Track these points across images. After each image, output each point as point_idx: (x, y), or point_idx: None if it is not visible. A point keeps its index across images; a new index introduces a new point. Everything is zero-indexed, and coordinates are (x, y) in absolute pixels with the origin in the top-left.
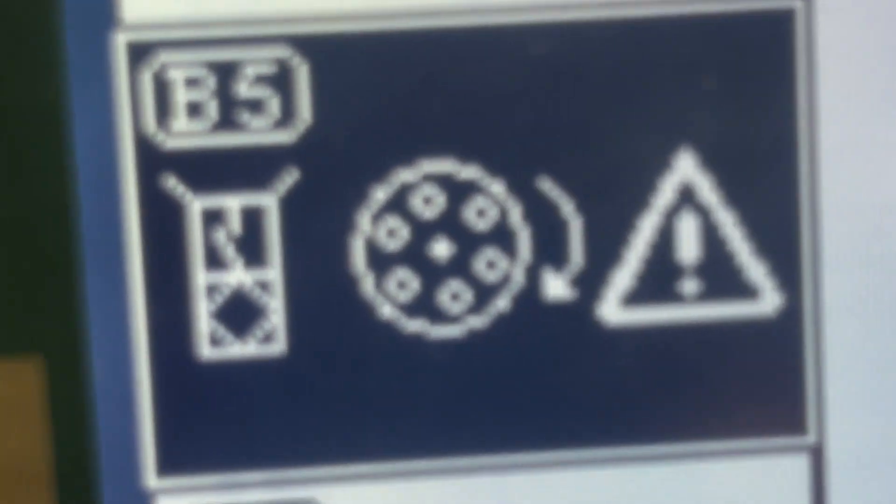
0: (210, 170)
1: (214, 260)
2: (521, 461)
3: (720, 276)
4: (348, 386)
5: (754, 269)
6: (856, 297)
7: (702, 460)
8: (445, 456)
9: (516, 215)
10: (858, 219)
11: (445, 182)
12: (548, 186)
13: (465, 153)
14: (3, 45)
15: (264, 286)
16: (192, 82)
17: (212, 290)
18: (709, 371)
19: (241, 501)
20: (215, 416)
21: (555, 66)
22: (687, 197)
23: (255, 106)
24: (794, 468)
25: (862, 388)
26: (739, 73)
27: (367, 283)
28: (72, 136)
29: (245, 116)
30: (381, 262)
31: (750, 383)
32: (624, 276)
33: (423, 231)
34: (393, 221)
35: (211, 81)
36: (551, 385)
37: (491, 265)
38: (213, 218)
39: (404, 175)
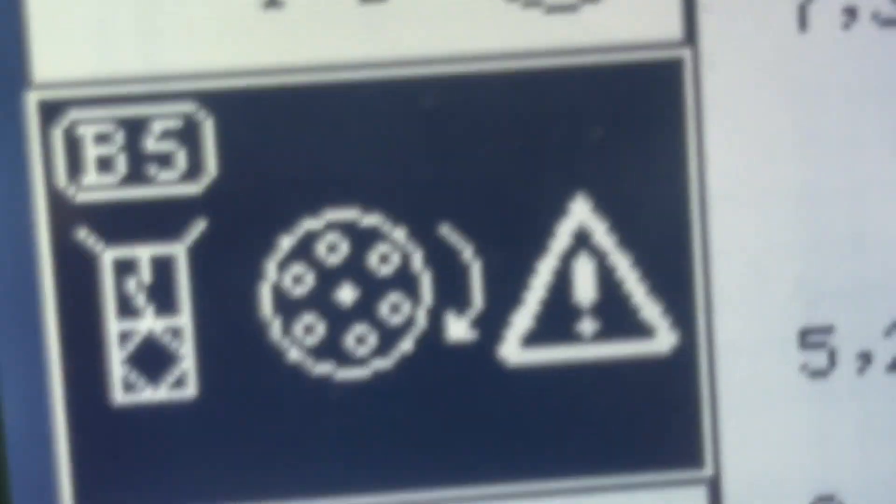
0: (120, 221)
1: (126, 308)
2: (425, 498)
3: (616, 316)
4: (259, 428)
5: (649, 308)
6: (746, 335)
7: (604, 494)
8: (351, 494)
9: (418, 260)
10: (747, 260)
11: (349, 229)
12: (448, 232)
13: (368, 201)
14: None
15: (175, 333)
16: (101, 138)
17: (124, 337)
18: (608, 408)
19: None
20: (131, 460)
21: (451, 118)
22: (583, 240)
23: (163, 159)
24: (693, 500)
25: (754, 421)
26: (632, 120)
27: (275, 328)
28: None
29: (153, 170)
30: (288, 307)
31: (648, 419)
32: (524, 318)
33: (328, 277)
34: (299, 268)
35: (119, 137)
36: (455, 424)
37: (394, 309)
38: (124, 268)
39: (309, 223)
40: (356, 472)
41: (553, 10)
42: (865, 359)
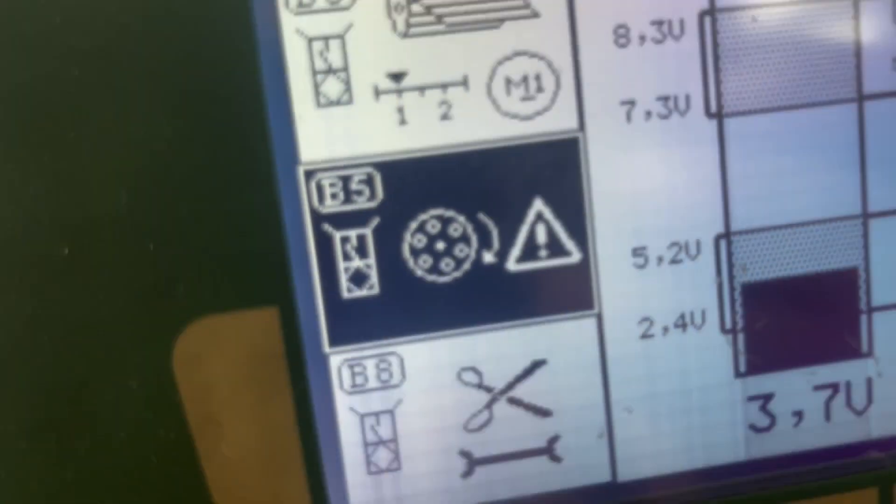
0: (341, 220)
1: (347, 257)
2: (477, 329)
3: (555, 247)
4: (410, 305)
5: (568, 243)
6: (609, 252)
7: (534, 325)
8: (446, 329)
9: (469, 229)
10: (612, 220)
11: (440, 217)
12: (483, 217)
13: (449, 205)
14: (237, 183)
15: (368, 266)
16: (332, 185)
17: (346, 269)
18: (551, 288)
19: (363, 354)
20: (353, 322)
21: (481, 175)
22: (539, 217)
23: (358, 192)
24: (588, 327)
25: (620, 285)
26: (556, 169)
27: (411, 262)
28: (282, 212)
29: (355, 197)
30: (416, 252)
31: (567, 294)
32: (516, 250)
33: (432, 238)
34: (420, 235)
35: (339, 184)
36: (487, 300)
37: (461, 251)
38: (344, 240)
39: (422, 215)
40: (450, 319)
41: (523, 118)
42: (659, 260)
